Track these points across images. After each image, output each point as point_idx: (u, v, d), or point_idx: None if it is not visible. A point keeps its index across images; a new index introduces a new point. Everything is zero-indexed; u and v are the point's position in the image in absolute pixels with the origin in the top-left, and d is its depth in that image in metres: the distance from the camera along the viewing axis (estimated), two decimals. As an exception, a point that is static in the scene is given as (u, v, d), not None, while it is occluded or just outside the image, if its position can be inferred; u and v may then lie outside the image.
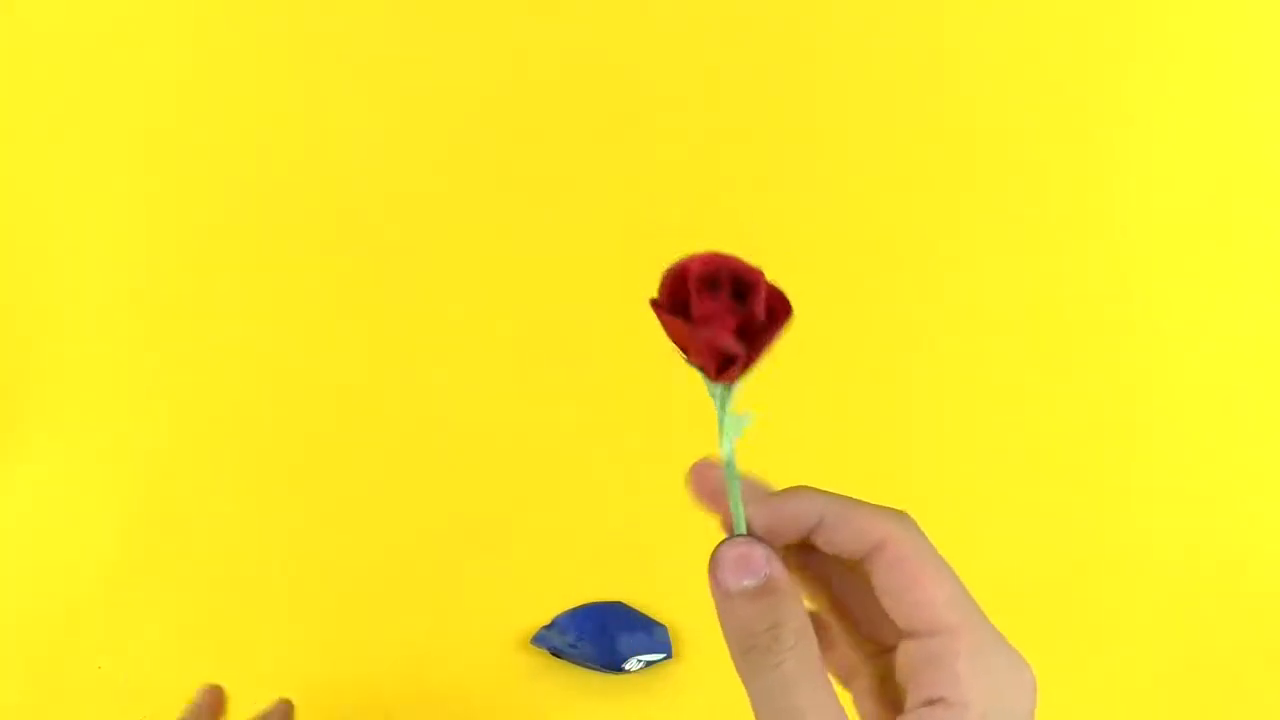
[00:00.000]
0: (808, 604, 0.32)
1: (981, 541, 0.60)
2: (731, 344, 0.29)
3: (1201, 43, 0.65)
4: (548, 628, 0.57)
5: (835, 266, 0.63)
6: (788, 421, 0.60)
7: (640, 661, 0.56)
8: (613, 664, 0.56)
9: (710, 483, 0.33)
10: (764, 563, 0.30)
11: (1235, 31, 0.65)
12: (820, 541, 0.32)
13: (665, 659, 0.57)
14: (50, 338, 0.63)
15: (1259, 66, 0.65)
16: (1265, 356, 0.62)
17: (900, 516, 0.32)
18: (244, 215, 0.65)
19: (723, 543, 0.31)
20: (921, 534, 0.31)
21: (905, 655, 0.30)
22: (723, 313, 0.29)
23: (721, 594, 0.31)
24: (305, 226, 0.65)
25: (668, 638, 0.57)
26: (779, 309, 0.29)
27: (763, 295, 0.29)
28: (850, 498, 0.32)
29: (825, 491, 0.32)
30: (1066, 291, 0.63)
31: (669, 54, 0.66)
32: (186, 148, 0.65)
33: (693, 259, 0.29)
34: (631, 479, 0.60)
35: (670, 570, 0.58)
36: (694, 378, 0.31)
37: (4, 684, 0.58)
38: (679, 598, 0.58)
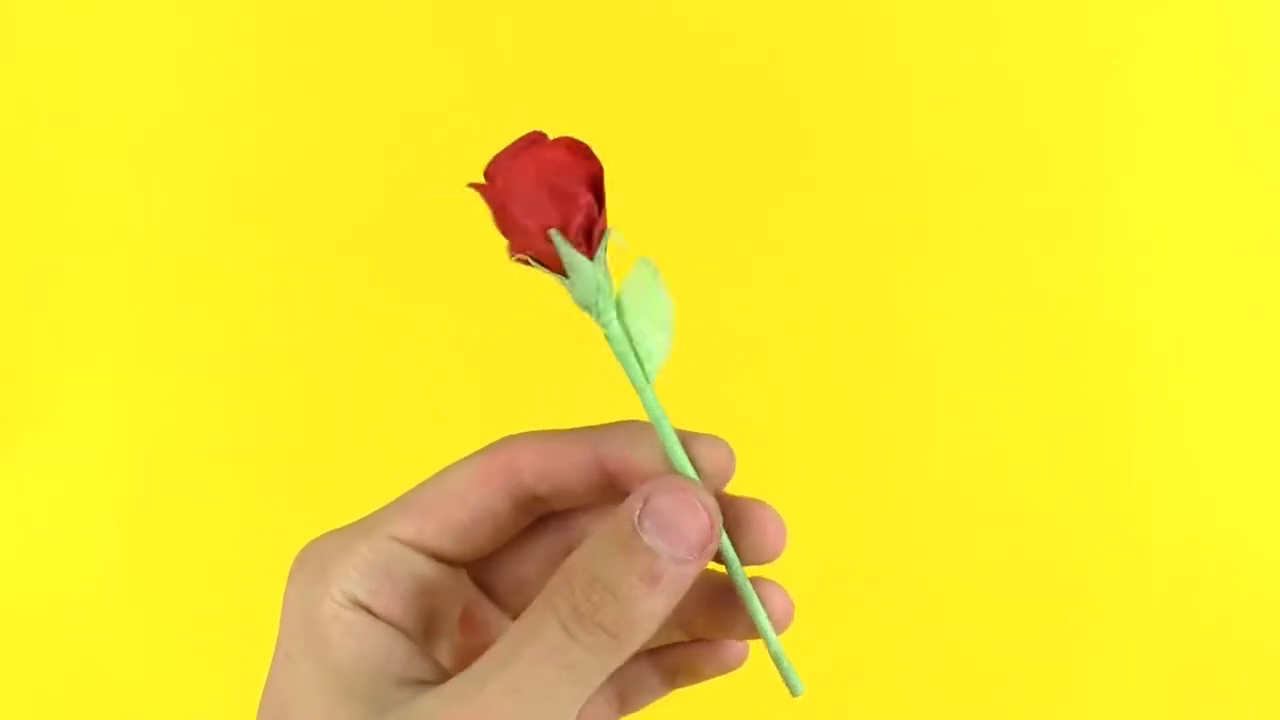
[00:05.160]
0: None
1: (980, 541, 0.60)
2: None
3: (1202, 42, 0.65)
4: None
5: (832, 265, 0.63)
6: (783, 421, 0.60)
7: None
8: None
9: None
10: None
11: (1235, 32, 0.65)
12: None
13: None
14: (49, 337, 0.63)
15: (1259, 66, 0.65)
16: (1265, 356, 0.62)
17: None
18: (245, 214, 0.65)
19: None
20: None
21: None
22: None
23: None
24: (306, 227, 0.65)
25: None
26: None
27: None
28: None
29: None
30: (1065, 290, 0.63)
31: (666, 51, 0.66)
32: (187, 148, 0.65)
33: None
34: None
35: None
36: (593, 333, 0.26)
37: (4, 684, 0.58)
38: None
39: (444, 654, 0.29)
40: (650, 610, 0.24)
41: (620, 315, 0.26)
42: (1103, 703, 0.58)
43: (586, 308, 0.26)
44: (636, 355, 0.26)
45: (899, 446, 0.61)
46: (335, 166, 0.65)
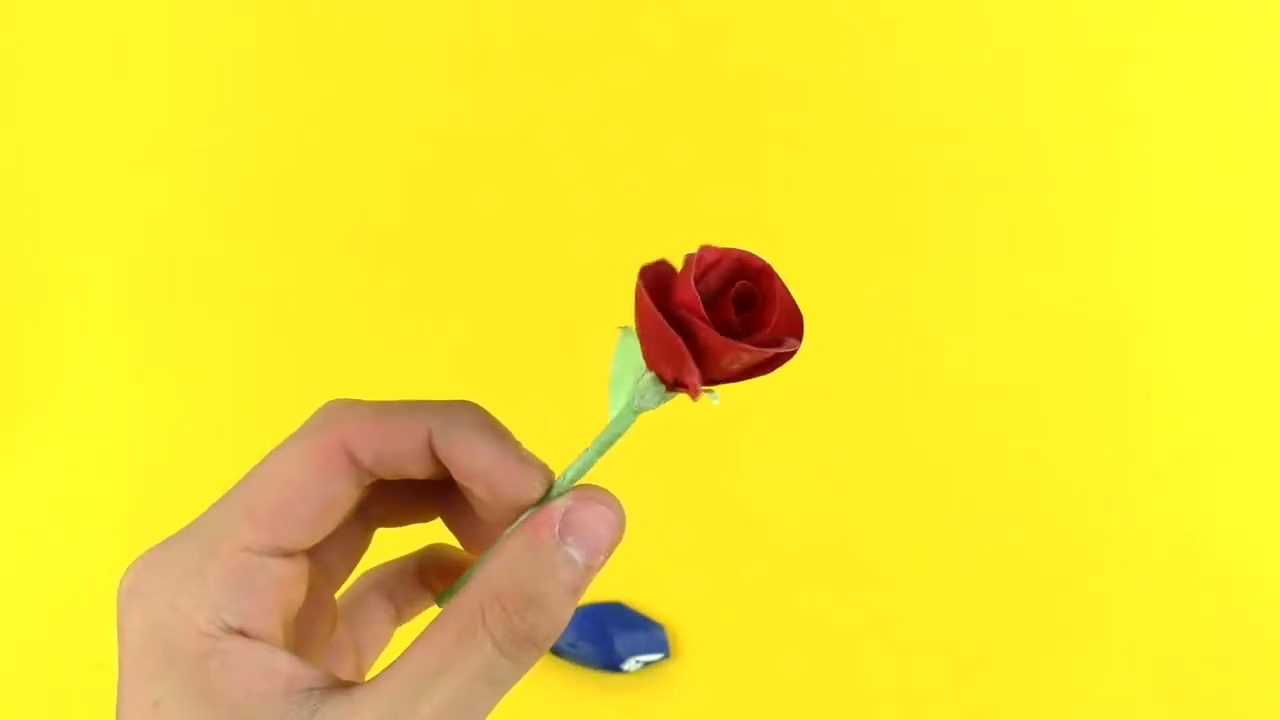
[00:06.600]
0: None
1: (979, 541, 0.60)
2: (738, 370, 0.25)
3: (1201, 41, 0.65)
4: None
5: (832, 266, 0.63)
6: (789, 418, 0.61)
7: (638, 662, 0.57)
8: (611, 664, 0.57)
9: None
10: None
11: (1235, 31, 0.65)
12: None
13: (663, 659, 0.57)
14: (50, 336, 0.63)
15: (1259, 66, 0.65)
16: (1265, 356, 0.62)
17: None
18: (244, 213, 0.65)
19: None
20: None
21: None
22: (739, 329, 0.25)
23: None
24: (306, 226, 0.65)
25: (665, 637, 0.57)
26: (789, 331, 0.25)
27: (774, 317, 0.25)
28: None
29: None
30: (1065, 291, 0.63)
31: (665, 52, 0.66)
32: (186, 147, 0.66)
33: (720, 254, 0.25)
34: (629, 479, 0.60)
35: (668, 571, 0.58)
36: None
37: (4, 684, 0.58)
38: (677, 598, 0.58)
39: (312, 648, 0.28)
40: (568, 614, 0.25)
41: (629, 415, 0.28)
42: (1103, 703, 0.58)
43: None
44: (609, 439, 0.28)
45: (898, 446, 0.61)
46: (335, 171, 0.65)
